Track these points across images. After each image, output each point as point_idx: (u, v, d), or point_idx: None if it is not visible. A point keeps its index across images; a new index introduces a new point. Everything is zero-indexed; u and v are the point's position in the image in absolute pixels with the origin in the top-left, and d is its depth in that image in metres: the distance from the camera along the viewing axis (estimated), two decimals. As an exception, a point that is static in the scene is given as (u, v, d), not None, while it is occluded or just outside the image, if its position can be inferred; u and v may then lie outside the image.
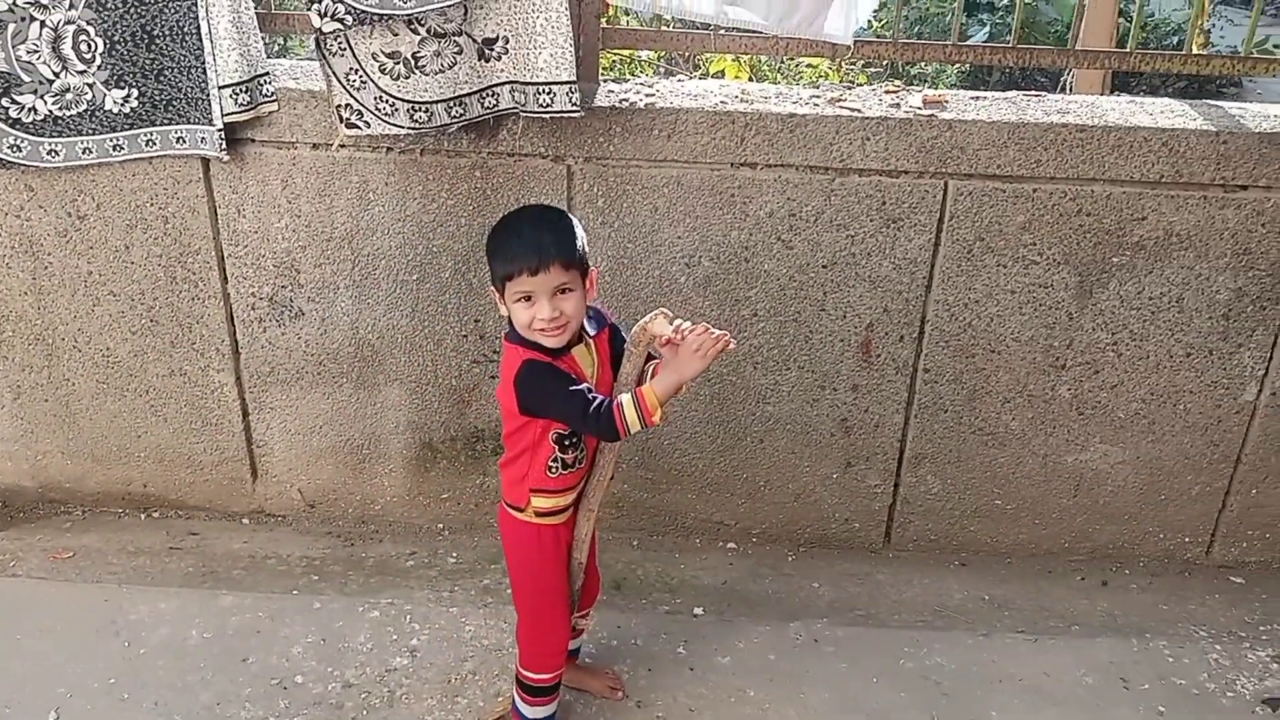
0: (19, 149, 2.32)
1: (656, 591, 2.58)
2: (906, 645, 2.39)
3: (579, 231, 1.77)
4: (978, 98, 2.40)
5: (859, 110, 2.30)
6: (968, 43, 3.52)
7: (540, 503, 1.87)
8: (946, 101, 2.36)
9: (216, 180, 2.40)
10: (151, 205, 2.43)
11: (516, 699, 2.04)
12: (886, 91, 2.46)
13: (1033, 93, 2.45)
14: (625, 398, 1.70)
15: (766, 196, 2.35)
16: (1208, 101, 2.44)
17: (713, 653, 2.35)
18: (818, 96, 2.40)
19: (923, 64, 6.62)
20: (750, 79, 3.77)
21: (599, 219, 2.38)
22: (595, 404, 1.70)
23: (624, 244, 2.41)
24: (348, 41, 2.15)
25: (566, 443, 1.82)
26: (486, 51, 2.20)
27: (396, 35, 2.15)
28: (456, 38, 2.17)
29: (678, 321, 1.68)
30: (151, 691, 2.20)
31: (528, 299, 1.72)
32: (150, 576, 2.57)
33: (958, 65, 6.58)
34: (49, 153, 2.33)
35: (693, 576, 2.64)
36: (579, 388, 1.73)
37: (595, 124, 2.29)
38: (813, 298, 2.45)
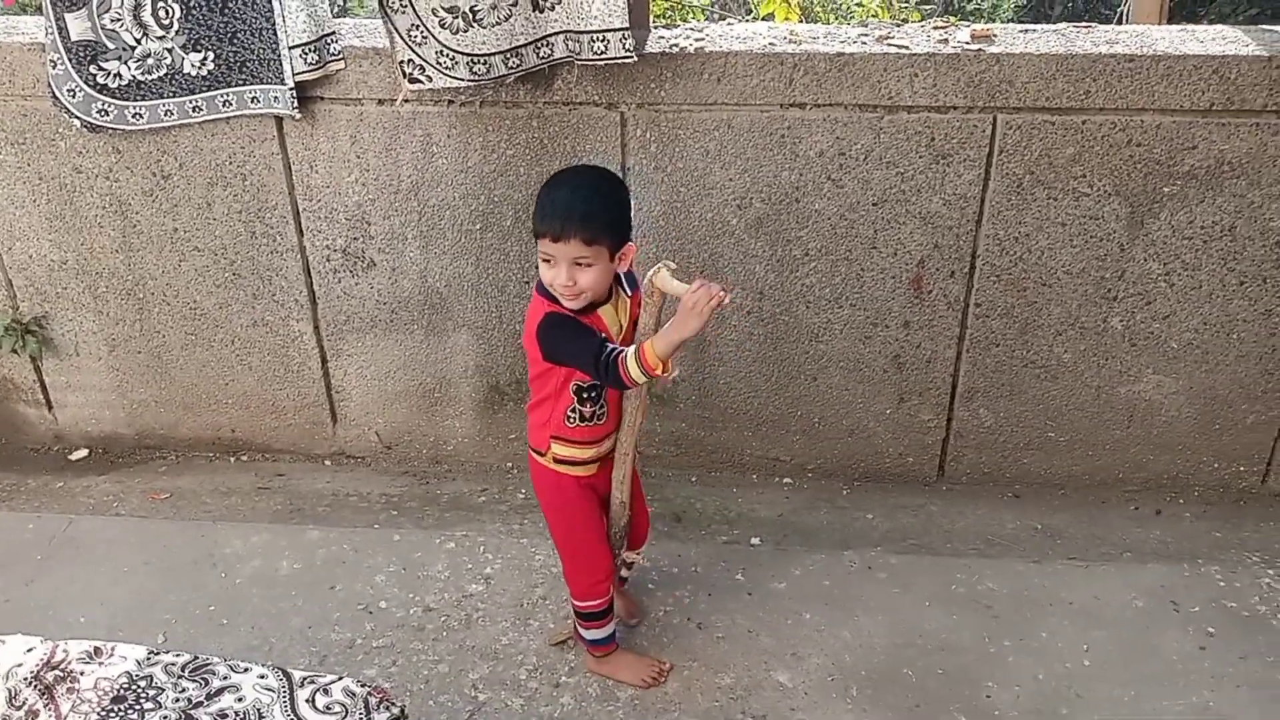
0: (106, 113, 2.47)
1: (715, 523, 2.68)
2: (959, 572, 2.46)
3: (617, 207, 1.81)
4: (1026, 31, 2.40)
5: (906, 47, 2.33)
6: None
7: (560, 450, 1.98)
8: (994, 35, 2.38)
9: (289, 138, 2.53)
10: (230, 163, 2.57)
11: (576, 624, 2.18)
12: (935, 28, 2.47)
13: (1083, 25, 2.45)
14: (629, 350, 1.76)
15: (816, 136, 2.39)
16: (1263, 27, 2.41)
17: (769, 579, 2.45)
18: (866, 35, 2.43)
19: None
20: (801, 20, 3.78)
21: (652, 164, 2.46)
22: (606, 353, 1.78)
23: (677, 188, 2.48)
24: (409, -2, 2.25)
25: (585, 395, 1.91)
26: (540, 2, 2.27)
27: (454, -9, 2.24)
28: (512, -10, 2.25)
29: (676, 280, 1.72)
30: (247, 617, 2.38)
31: (548, 260, 1.79)
32: (242, 514, 2.74)
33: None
34: (134, 116, 2.48)
35: (750, 509, 2.73)
36: (595, 338, 1.81)
37: (647, 70, 2.35)
38: (863, 236, 2.50)
